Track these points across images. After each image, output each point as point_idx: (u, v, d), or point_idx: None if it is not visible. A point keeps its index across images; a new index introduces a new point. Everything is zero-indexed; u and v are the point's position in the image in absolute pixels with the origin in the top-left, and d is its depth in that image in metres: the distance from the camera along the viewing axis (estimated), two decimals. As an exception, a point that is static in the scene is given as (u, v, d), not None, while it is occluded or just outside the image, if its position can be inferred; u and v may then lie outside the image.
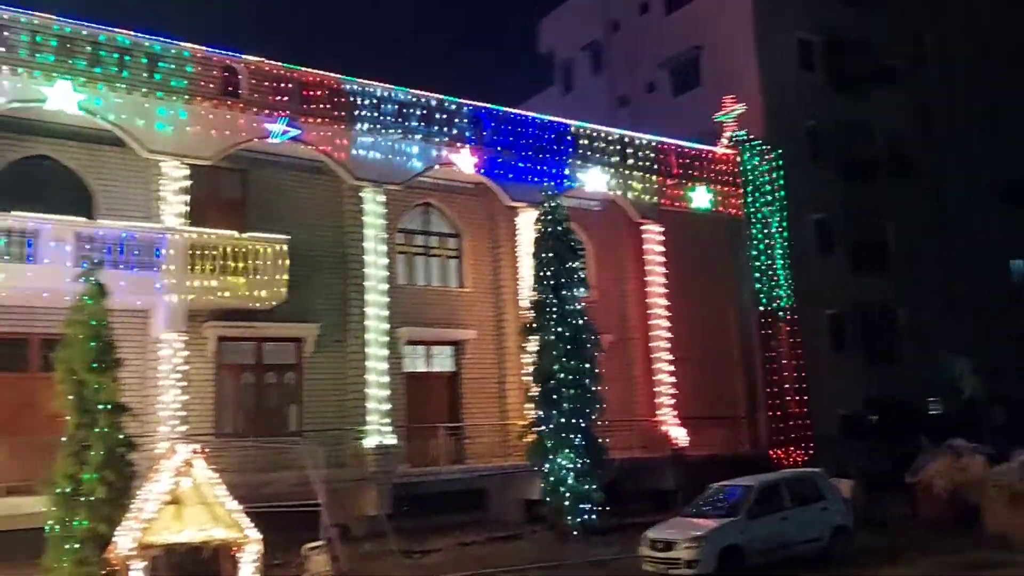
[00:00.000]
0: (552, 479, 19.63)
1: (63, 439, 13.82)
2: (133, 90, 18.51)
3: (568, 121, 25.35)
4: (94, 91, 18.06)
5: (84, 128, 18.61)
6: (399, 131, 21.98)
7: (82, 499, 13.31)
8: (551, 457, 19.67)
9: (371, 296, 21.12)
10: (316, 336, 21.18)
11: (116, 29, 18.59)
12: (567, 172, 24.61)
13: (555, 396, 19.81)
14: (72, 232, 17.03)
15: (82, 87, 17.91)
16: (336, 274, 21.57)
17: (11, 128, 18.11)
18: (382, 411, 20.60)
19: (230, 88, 19.80)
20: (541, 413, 20.01)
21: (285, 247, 19.31)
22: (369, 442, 20.20)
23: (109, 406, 13.97)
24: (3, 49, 17.14)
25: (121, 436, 14.05)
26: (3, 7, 17.39)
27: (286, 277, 19.16)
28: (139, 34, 18.81)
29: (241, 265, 18.79)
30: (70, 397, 13.89)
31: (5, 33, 17.19)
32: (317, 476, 15.76)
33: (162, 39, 19.08)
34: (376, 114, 21.72)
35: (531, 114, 24.90)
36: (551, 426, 19.77)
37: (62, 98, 17.63)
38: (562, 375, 19.84)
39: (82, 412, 13.85)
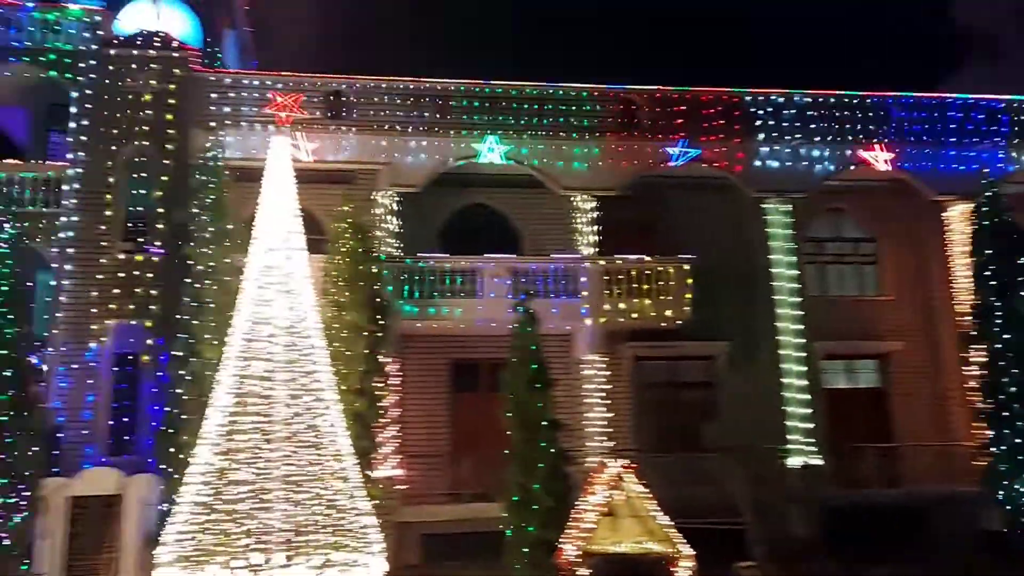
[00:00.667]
0: (1009, 507, 17.17)
1: (509, 452, 15.57)
2: (550, 135, 20.43)
3: (1000, 97, 22.22)
4: (518, 141, 20.33)
5: (509, 175, 20.98)
6: (800, 136, 21.23)
7: (532, 507, 14.85)
8: (1006, 482, 17.23)
9: (782, 310, 20.56)
10: (727, 353, 21.19)
11: (529, 83, 20.70)
12: (1002, 155, 21.56)
13: (1006, 413, 17.36)
14: (507, 268, 19.31)
15: (507, 139, 20.26)
16: (744, 290, 21.36)
17: (452, 183, 21.05)
18: (805, 429, 19.83)
19: (631, 119, 20.86)
20: (992, 432, 17.65)
21: (688, 267, 19.72)
22: (793, 461, 19.56)
23: (547, 422, 15.46)
24: (447, 117, 20.12)
25: (559, 450, 15.43)
26: (440, 80, 20.38)
27: (690, 296, 19.54)
28: (546, 83, 20.73)
29: (647, 287, 19.63)
30: (513, 414, 15.65)
31: (451, 103, 20.16)
32: (741, 494, 15.67)
33: (564, 84, 20.79)
34: (774, 122, 21.25)
35: (952, 95, 22.31)
36: (1004, 447, 17.34)
37: (491, 151, 20.12)
38: (1013, 389, 17.34)
39: (524, 428, 15.51)
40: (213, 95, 19.26)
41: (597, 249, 20.19)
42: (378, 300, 17.08)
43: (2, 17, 18.93)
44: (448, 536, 17.46)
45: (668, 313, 19.61)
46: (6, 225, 16.21)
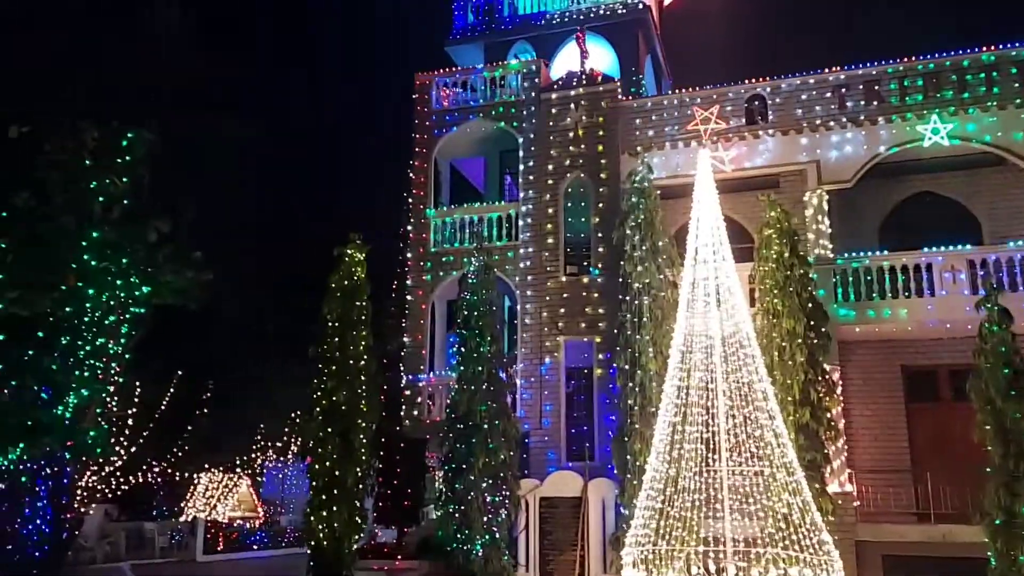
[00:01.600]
0: None
1: (989, 470, 13.68)
2: (1001, 106, 17.75)
3: None
4: (964, 117, 17.98)
5: (955, 156, 18.62)
6: None
7: (1020, 532, 12.88)
8: None
9: None
10: None
11: (977, 50, 18.21)
12: None
13: None
14: (964, 261, 17.08)
15: (951, 116, 18.03)
16: None
17: (888, 173, 19.31)
18: None
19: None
20: None
21: None
22: None
23: (1033, 436, 13.29)
24: (877, 103, 18.60)
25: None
26: (867, 65, 18.91)
27: None
28: (1003, 47, 18.02)
29: None
30: (989, 426, 13.75)
31: (881, 86, 18.63)
32: None
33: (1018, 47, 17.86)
34: None
35: None
36: None
37: (936, 132, 18.05)
38: None
39: (1004, 442, 13.53)
40: (637, 120, 20.28)
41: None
42: (812, 305, 16.33)
43: (462, 82, 22.14)
44: (915, 559, 15.90)
45: None
46: (474, 259, 18.82)
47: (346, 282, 18.03)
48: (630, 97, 21.23)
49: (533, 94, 21.26)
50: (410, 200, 22.25)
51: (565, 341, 19.52)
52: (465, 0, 24.74)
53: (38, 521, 16.05)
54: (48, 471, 16.10)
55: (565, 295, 19.73)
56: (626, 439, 16.52)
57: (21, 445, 12.94)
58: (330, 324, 17.74)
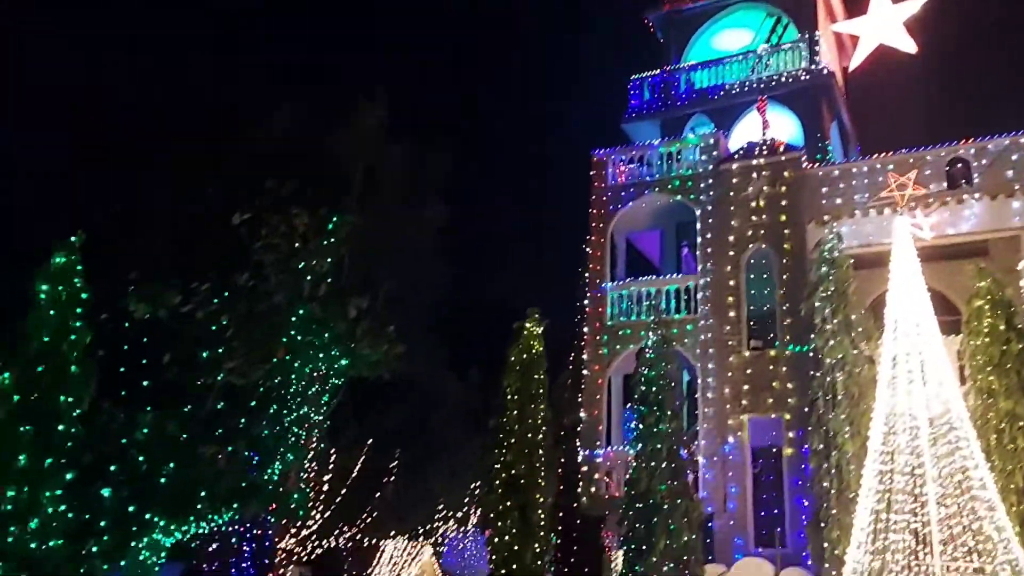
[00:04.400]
0: None
1: None
2: None
3: None
4: None
5: None
6: None
7: None
8: None
9: None
10: None
11: None
12: None
13: None
14: None
15: None
16: None
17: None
18: None
19: None
20: None
21: None
22: None
23: None
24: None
25: None
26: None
27: None
28: None
29: None
30: None
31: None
32: None
33: None
34: None
35: None
36: None
37: None
38: None
39: None
40: (824, 188, 19.59)
41: None
42: (1034, 383, 14.82)
43: (638, 158, 22.37)
44: None
45: None
46: (652, 332, 18.61)
47: (524, 356, 18.32)
48: (816, 165, 20.59)
49: (711, 166, 21.10)
50: (587, 275, 22.48)
51: (749, 419, 18.77)
52: (641, 79, 25.13)
53: (248, 579, 17.21)
54: (253, 532, 17.27)
55: (749, 370, 19.05)
56: (822, 525, 15.48)
57: (235, 506, 13.95)
58: (509, 397, 18.03)
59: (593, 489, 20.26)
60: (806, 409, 16.96)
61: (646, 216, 22.91)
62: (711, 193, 20.86)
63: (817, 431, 16.22)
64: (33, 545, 9.97)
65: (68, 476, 10.64)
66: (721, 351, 19.57)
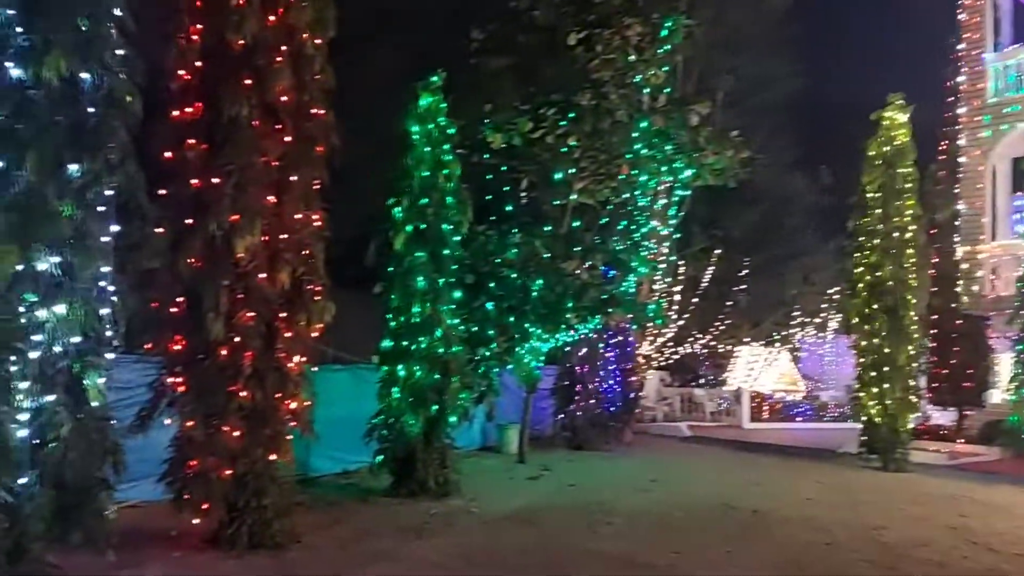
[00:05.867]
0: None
1: None
2: None
3: None
4: None
5: None
6: None
7: None
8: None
9: None
10: None
11: None
12: None
13: None
14: None
15: None
16: None
17: None
18: None
19: None
20: None
21: None
22: None
23: None
24: None
25: None
26: None
27: None
28: None
29: None
30: None
31: None
32: None
33: None
34: None
35: None
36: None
37: None
38: None
39: None
40: None
41: None
42: None
43: None
44: None
45: None
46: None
47: (887, 148, 16.61)
48: None
49: None
50: (961, 45, 19.43)
51: None
52: None
53: (611, 381, 18.64)
54: (616, 339, 18.48)
55: None
56: None
57: (596, 316, 14.97)
58: (870, 195, 16.66)
59: (975, 287, 18.42)
60: None
61: (1037, -36, 18.93)
62: None
63: None
64: (441, 351, 11.63)
65: (456, 294, 12.05)
66: None
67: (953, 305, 19.85)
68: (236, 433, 7.96)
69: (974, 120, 18.98)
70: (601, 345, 18.18)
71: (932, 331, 20.31)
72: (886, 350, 16.02)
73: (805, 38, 26.74)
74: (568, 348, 16.97)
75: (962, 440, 18.44)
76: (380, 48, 18.82)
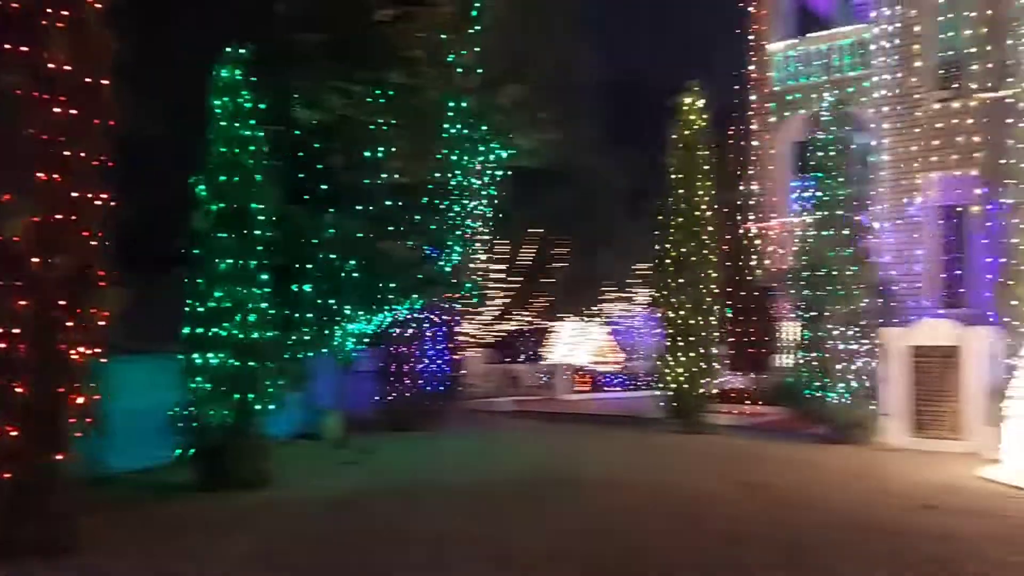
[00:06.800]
0: None
1: None
2: None
3: None
4: None
5: None
6: None
7: None
8: None
9: None
10: None
11: None
12: None
13: None
14: None
15: None
16: None
17: None
18: None
19: None
20: None
21: None
22: None
23: None
24: None
25: None
26: None
27: None
28: None
29: None
30: None
31: None
32: None
33: None
34: None
35: None
36: None
37: None
38: None
39: None
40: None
41: None
42: None
43: None
44: None
45: None
46: (826, 94, 17.28)
47: (687, 132, 17.70)
48: None
49: None
50: (750, 36, 20.92)
51: (939, 176, 17.47)
52: None
53: (434, 361, 18.74)
54: (440, 319, 18.59)
55: (938, 124, 17.47)
56: (1010, 283, 14.62)
57: (414, 296, 14.99)
58: (673, 176, 17.69)
59: (765, 261, 20.00)
60: (1000, 161, 15.55)
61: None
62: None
63: (1009, 185, 14.90)
64: (249, 335, 11.17)
65: (263, 276, 11.53)
66: (906, 106, 17.94)
67: (748, 278, 21.45)
68: (13, 432, 7.31)
69: (763, 106, 20.52)
70: (426, 325, 18.23)
71: (729, 303, 21.86)
72: (689, 321, 17.14)
73: (616, 25, 27.88)
74: (395, 330, 16.88)
75: (754, 402, 20.02)
76: (189, 20, 17.71)
